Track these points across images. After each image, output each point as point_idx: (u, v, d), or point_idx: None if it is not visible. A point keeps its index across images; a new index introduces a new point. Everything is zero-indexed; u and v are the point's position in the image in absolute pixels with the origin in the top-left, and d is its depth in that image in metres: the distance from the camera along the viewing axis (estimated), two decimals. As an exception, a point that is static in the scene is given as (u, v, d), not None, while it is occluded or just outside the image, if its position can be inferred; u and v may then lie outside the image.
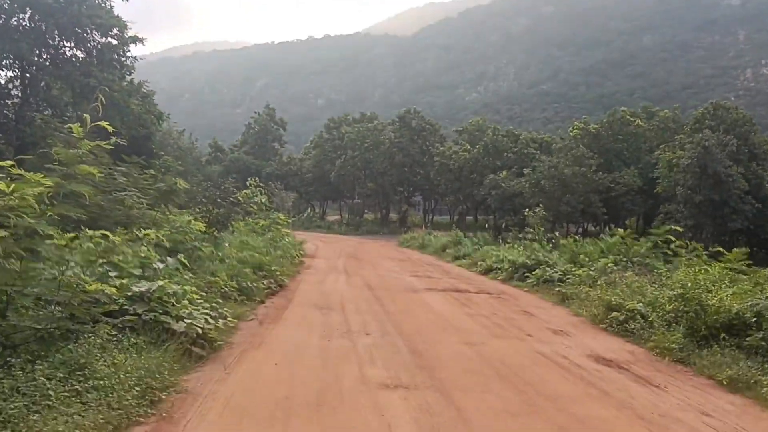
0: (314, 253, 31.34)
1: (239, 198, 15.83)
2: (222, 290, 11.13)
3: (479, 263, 24.79)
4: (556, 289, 15.55)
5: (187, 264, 10.15)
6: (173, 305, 7.90)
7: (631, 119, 49.90)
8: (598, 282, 14.50)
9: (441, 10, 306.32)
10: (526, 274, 19.41)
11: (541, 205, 46.06)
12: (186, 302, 8.29)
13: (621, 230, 18.15)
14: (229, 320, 9.54)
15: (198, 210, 16.31)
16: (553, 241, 22.57)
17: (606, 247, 18.32)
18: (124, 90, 25.26)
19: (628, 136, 49.31)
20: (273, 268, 15.36)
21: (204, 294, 9.69)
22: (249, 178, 16.85)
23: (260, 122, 79.77)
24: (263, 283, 14.06)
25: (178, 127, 69.54)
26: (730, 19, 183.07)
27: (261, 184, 16.69)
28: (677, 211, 36.88)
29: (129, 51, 26.41)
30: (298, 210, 74.22)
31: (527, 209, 46.74)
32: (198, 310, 8.29)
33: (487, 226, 48.40)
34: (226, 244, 16.84)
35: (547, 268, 18.45)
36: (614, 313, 11.46)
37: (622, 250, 17.40)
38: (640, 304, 11.29)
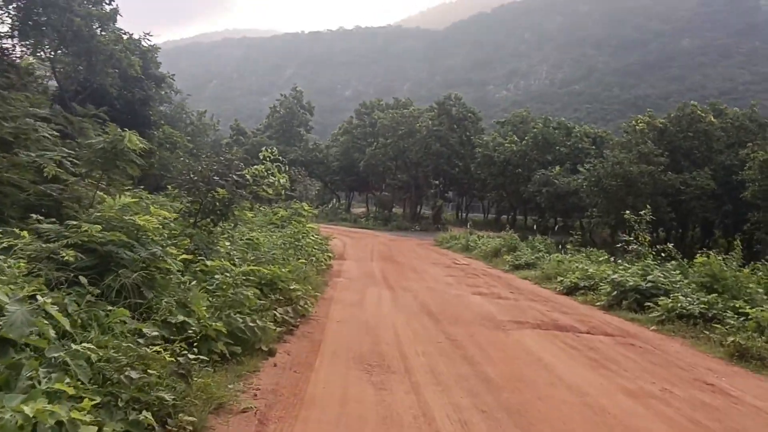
0: (342, 253, 26.11)
1: (247, 176, 10.27)
2: (187, 350, 5.81)
3: (557, 278, 19.30)
4: (730, 339, 9.93)
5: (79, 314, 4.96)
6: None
7: (703, 115, 43.83)
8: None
9: (474, 5, 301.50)
10: (644, 302, 13.92)
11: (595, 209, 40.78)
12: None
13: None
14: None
15: (185, 192, 11.02)
16: (663, 254, 16.98)
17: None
18: (112, 39, 20.06)
19: (699, 134, 43.29)
20: (292, 287, 10.00)
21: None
22: (263, 148, 11.50)
23: (286, 105, 74.45)
24: (276, 314, 8.74)
25: (198, 108, 64.79)
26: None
27: (280, 158, 11.27)
28: (773, 220, 31.10)
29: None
30: (322, 200, 69.23)
31: (588, 211, 41.40)
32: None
33: (536, 227, 42.74)
34: (225, 246, 11.54)
35: (679, 297, 12.92)
36: None
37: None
38: None
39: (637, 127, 42.59)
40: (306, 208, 21.42)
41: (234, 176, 10.86)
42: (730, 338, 9.96)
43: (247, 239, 13.02)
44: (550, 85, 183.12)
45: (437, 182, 61.18)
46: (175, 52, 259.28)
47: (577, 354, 9.40)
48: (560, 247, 30.59)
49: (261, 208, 13.84)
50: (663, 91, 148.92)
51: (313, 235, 19.17)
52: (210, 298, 7.94)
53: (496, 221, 60.03)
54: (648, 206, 18.75)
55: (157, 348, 5.17)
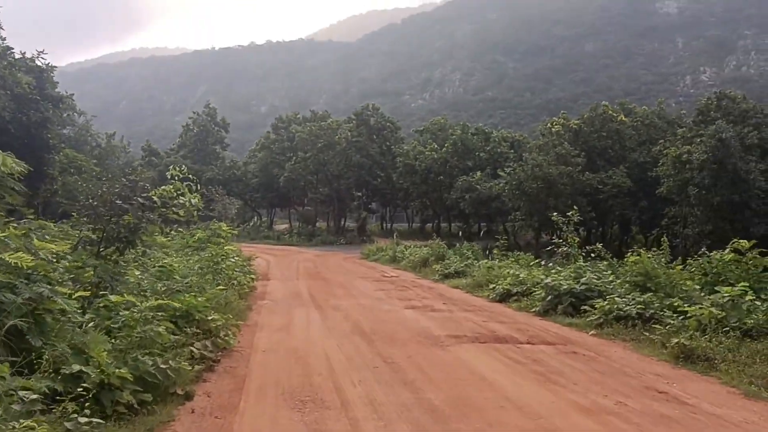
0: (266, 273, 25.02)
1: (155, 199, 9.26)
2: (78, 411, 4.89)
3: (489, 286, 18.92)
4: (673, 341, 9.57)
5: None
6: None
7: (614, 115, 45.10)
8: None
9: (384, 17, 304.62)
10: (579, 306, 13.64)
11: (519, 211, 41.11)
12: None
13: (744, 242, 12.42)
14: None
15: (85, 220, 9.89)
16: (593, 255, 16.84)
17: (719, 269, 12.57)
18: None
19: (612, 133, 44.49)
20: (210, 318, 9.03)
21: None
22: (171, 167, 10.48)
23: (200, 123, 72.17)
24: (194, 350, 7.79)
25: (108, 130, 61.84)
26: (668, 27, 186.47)
27: (190, 176, 10.28)
28: (690, 214, 31.89)
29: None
30: (243, 219, 67.37)
31: (512, 214, 41.68)
32: None
33: (461, 234, 42.72)
34: (136, 276, 10.47)
35: (615, 298, 12.67)
36: None
37: (749, 272, 11.74)
38: None
39: (552, 129, 43.34)
40: (224, 228, 20.24)
41: (139, 199, 9.81)
42: (674, 339, 9.63)
43: (159, 266, 11.91)
44: (464, 93, 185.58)
45: (360, 194, 60.57)
46: (80, 75, 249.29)
47: (522, 368, 8.86)
48: (487, 252, 30.49)
49: (178, 231, 12.70)
50: (572, 94, 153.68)
51: (233, 257, 18.09)
52: (114, 340, 6.93)
53: (421, 230, 59.96)
54: (575, 207, 18.64)
55: (30, 423, 4.17)
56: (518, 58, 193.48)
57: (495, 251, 28.03)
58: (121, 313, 7.40)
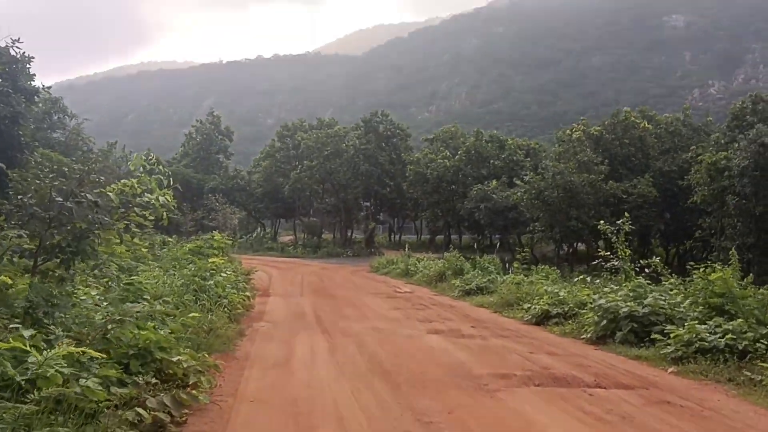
0: (267, 288, 22.57)
1: (111, 195, 6.74)
2: None
3: (521, 305, 16.41)
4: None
5: None
6: None
7: (637, 121, 42.60)
8: None
9: (391, 31, 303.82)
10: (643, 333, 11.13)
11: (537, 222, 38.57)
12: None
13: None
14: None
15: (16, 224, 7.49)
16: (647, 270, 14.31)
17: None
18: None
19: (635, 141, 41.97)
20: (176, 360, 6.50)
21: None
22: (134, 154, 8.04)
23: (203, 131, 69.94)
24: (142, 413, 5.27)
25: (110, 139, 59.61)
26: (676, 41, 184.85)
27: (161, 167, 7.83)
28: (729, 225, 29.26)
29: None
30: (246, 230, 64.93)
31: (530, 225, 39.12)
32: None
33: (476, 245, 40.15)
34: (93, 297, 8.04)
35: (696, 326, 10.12)
36: None
37: None
38: None
39: (573, 135, 40.85)
40: (218, 237, 17.78)
41: (89, 196, 7.38)
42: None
43: (125, 284, 9.42)
44: (471, 106, 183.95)
45: (368, 204, 58.09)
46: (89, 87, 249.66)
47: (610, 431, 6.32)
48: (507, 266, 28.09)
49: (142, 238, 10.31)
50: (579, 107, 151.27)
51: (226, 271, 15.62)
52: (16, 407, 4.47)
53: (430, 242, 57.37)
54: (627, 215, 16.17)
55: None
56: (525, 71, 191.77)
57: (515, 265, 25.75)
58: (30, 361, 4.92)
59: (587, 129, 42.22)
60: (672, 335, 10.20)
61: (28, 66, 19.46)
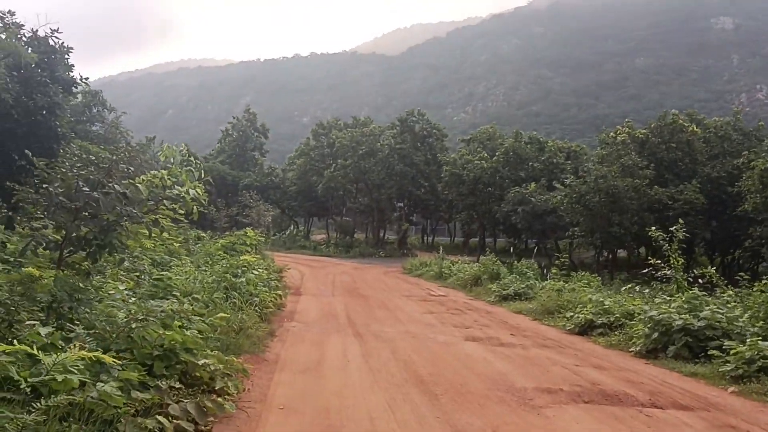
0: (299, 287, 22.18)
1: (140, 187, 6.32)
2: None
3: (562, 313, 15.73)
4: None
5: None
6: None
7: (685, 125, 41.13)
8: None
9: (429, 30, 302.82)
10: (698, 347, 10.42)
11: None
12: None
13: None
14: None
15: (44, 215, 7.17)
16: (701, 280, 13.52)
17: None
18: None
19: (682, 145, 40.54)
20: (203, 363, 6.07)
21: None
22: (164, 145, 7.69)
23: (239, 128, 70.22)
24: (163, 422, 4.84)
25: (149, 134, 60.22)
26: (723, 44, 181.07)
27: (192, 159, 7.47)
28: (789, 236, 28.04)
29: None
30: (280, 227, 64.96)
31: (570, 230, 38.14)
32: None
33: (512, 250, 39.34)
34: (121, 292, 7.68)
35: (759, 342, 9.39)
36: None
37: None
38: None
39: (618, 138, 39.67)
40: (251, 234, 17.45)
41: (117, 187, 7.02)
42: None
43: (155, 279, 9.07)
44: (508, 107, 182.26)
45: (401, 204, 57.50)
46: (130, 83, 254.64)
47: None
48: (544, 271, 27.38)
49: (163, 235, 10.05)
50: (621, 110, 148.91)
51: (258, 268, 15.26)
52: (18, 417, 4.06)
53: (464, 245, 56.53)
54: (644, 224, 15.35)
55: None
56: (565, 72, 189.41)
57: (553, 270, 25.04)
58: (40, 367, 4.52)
59: (632, 132, 40.96)
60: (732, 352, 9.45)
61: (66, 57, 19.38)
